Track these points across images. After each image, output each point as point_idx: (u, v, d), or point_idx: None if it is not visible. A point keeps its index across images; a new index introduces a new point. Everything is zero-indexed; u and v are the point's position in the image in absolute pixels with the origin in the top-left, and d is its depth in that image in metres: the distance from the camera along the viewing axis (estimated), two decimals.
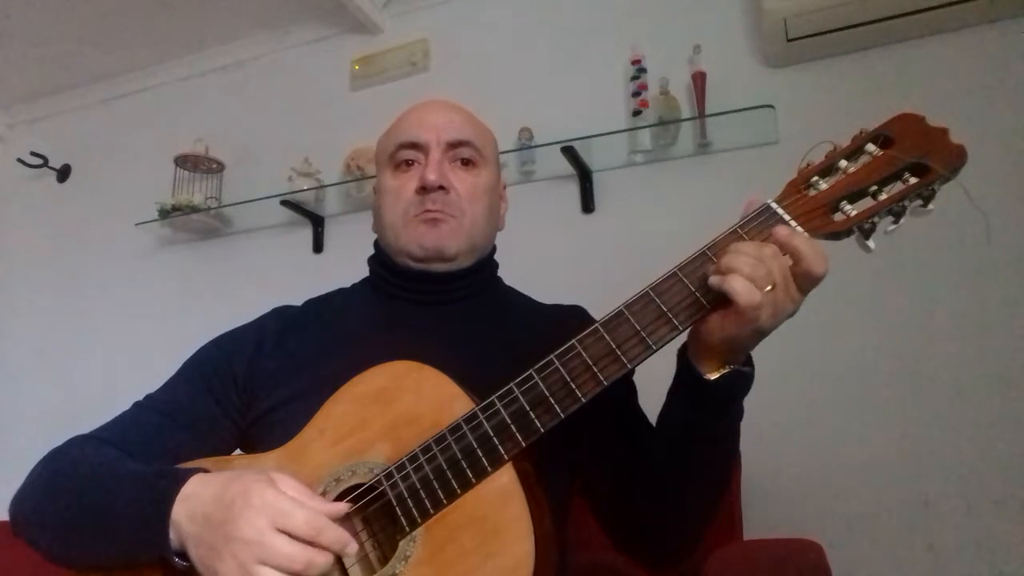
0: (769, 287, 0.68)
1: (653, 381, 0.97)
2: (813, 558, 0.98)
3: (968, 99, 1.65)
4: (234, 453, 0.96)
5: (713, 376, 0.75)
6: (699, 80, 1.87)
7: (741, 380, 0.76)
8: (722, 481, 0.86)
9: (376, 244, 1.08)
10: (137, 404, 0.96)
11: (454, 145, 1.00)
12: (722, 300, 0.70)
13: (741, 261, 0.69)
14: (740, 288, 0.67)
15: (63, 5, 2.30)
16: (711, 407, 0.78)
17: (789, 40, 1.76)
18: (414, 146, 1.00)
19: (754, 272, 0.68)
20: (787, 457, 1.63)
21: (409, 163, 1.00)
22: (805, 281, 0.70)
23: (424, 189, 0.97)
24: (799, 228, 0.72)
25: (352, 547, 0.69)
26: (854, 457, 1.60)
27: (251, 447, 0.94)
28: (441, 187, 0.97)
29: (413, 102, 1.11)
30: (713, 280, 0.70)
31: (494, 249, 1.09)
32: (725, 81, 1.87)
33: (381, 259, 1.05)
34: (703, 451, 0.81)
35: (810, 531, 1.14)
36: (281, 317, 1.03)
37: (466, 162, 1.01)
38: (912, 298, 1.64)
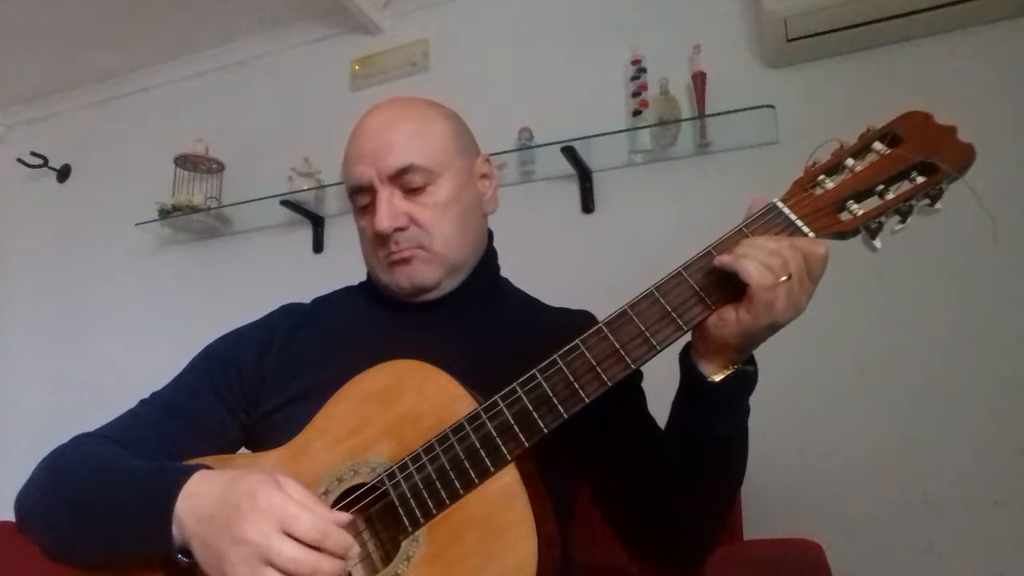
0: (785, 277, 0.67)
1: (655, 382, 0.98)
2: (813, 558, 0.98)
3: (968, 99, 1.64)
4: (238, 452, 0.95)
5: (718, 378, 0.74)
6: (699, 80, 1.87)
7: (746, 379, 0.76)
8: (735, 480, 0.85)
9: None
10: (142, 402, 0.96)
11: (397, 175, 0.92)
12: (728, 298, 0.70)
13: (757, 249, 0.68)
14: (752, 269, 0.67)
15: (63, 5, 2.30)
16: (717, 409, 0.77)
17: (789, 40, 1.76)
18: (360, 191, 0.95)
19: (770, 259, 0.67)
20: (787, 457, 1.64)
21: (365, 207, 0.96)
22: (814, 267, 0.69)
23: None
24: (805, 227, 0.72)
25: (355, 551, 0.69)
26: (854, 457, 1.60)
27: (256, 446, 0.94)
28: (397, 228, 0.92)
29: None
30: (726, 259, 0.69)
31: (489, 246, 1.05)
32: (725, 81, 1.87)
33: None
34: (714, 453, 0.81)
35: (810, 531, 1.14)
36: (289, 316, 1.03)
37: (416, 189, 0.93)
38: (912, 298, 1.64)
